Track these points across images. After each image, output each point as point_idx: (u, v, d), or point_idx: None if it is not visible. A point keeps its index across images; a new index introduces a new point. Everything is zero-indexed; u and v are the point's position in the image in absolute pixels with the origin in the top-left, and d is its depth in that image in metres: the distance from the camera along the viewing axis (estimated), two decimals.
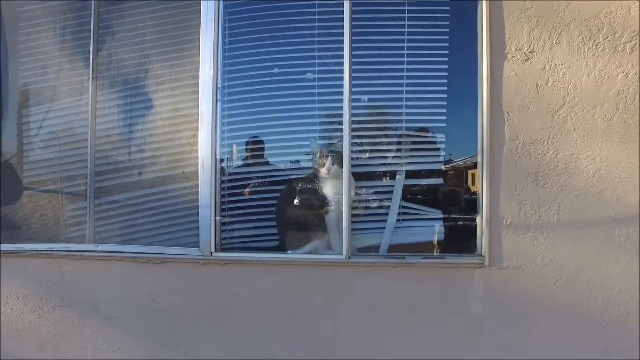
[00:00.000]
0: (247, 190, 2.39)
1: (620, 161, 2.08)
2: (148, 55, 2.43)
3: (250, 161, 2.43)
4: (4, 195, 2.47)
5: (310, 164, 2.37)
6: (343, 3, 2.22)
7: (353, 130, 2.22)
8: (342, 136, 2.21)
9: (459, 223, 2.30)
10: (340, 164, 2.22)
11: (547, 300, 2.10)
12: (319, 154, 2.29)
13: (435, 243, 2.35)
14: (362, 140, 2.33)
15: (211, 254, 2.23)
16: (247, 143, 2.43)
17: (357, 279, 2.20)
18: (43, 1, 2.48)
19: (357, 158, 2.30)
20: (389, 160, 2.37)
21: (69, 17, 2.49)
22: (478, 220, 2.18)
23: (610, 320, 2.08)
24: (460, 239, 2.29)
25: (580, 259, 2.09)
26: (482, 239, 2.14)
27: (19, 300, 2.38)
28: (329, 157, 2.23)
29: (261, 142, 2.45)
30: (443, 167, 2.40)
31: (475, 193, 2.23)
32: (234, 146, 2.35)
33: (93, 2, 2.39)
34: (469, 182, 2.38)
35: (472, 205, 2.26)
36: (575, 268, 2.10)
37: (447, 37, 2.30)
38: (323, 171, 2.24)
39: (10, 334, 2.39)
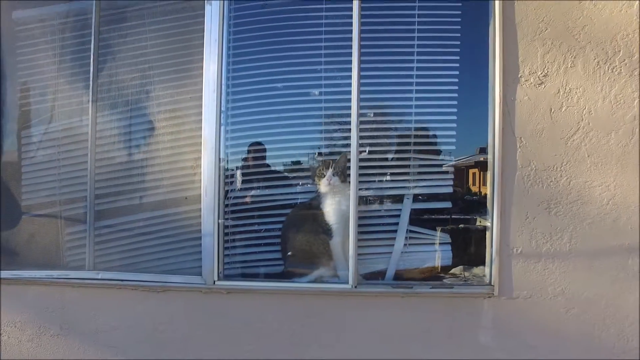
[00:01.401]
0: (247, 199, 2.32)
1: (635, 188, 2.03)
2: (150, 76, 2.36)
3: (254, 185, 2.36)
4: (2, 221, 2.41)
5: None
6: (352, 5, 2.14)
7: (361, 146, 2.15)
8: (348, 151, 2.14)
9: (467, 250, 2.26)
10: (342, 177, 2.15)
11: (558, 331, 2.06)
12: (320, 165, 2.20)
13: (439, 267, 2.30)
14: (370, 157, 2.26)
15: (214, 283, 2.18)
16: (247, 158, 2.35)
17: (364, 308, 2.15)
18: (42, 21, 2.40)
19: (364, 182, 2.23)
20: (398, 184, 2.31)
21: (68, 37, 2.43)
22: (488, 249, 2.12)
23: (623, 352, 2.04)
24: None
25: (593, 289, 2.05)
26: (492, 268, 2.09)
27: (17, 328, 2.33)
28: (330, 168, 2.15)
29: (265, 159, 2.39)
30: (451, 190, 2.34)
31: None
32: (238, 172, 2.29)
33: (93, 21, 2.31)
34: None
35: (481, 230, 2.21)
36: (588, 298, 2.05)
37: (457, 58, 2.25)
38: (323, 182, 2.16)
39: None
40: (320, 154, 2.30)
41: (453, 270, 2.32)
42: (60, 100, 2.44)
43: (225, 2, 2.21)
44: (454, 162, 2.34)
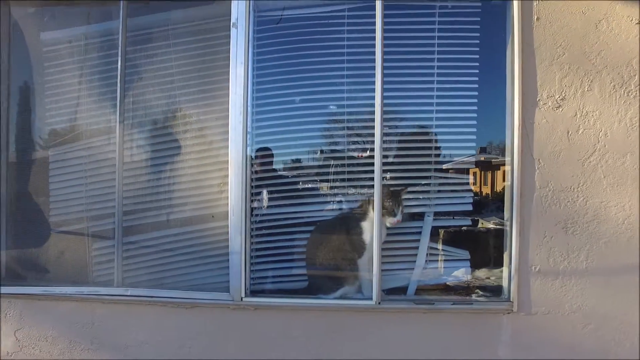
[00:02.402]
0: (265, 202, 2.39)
1: None
2: (175, 96, 2.41)
3: (281, 202, 2.42)
4: (31, 237, 2.47)
5: (340, 201, 2.39)
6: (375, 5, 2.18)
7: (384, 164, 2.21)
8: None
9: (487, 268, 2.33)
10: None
11: (575, 346, 2.13)
12: (387, 200, 2.20)
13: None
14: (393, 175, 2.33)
15: (241, 299, 2.24)
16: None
17: (387, 324, 2.21)
18: (69, 42, 2.45)
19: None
20: (419, 202, 2.37)
21: (95, 57, 2.47)
22: (506, 267, 2.19)
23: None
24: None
25: (609, 306, 2.12)
26: (511, 285, 2.15)
27: (48, 342, 2.39)
28: (400, 206, 2.20)
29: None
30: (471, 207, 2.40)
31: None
32: (265, 192, 2.34)
33: (120, 42, 2.35)
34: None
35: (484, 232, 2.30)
36: (604, 314, 2.12)
37: (476, 79, 2.32)
38: (390, 221, 2.21)
39: None
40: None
41: (455, 273, 2.38)
42: (87, 119, 2.49)
43: (250, 25, 2.26)
44: (453, 163, 2.40)
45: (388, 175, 2.31)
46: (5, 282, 2.43)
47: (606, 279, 2.12)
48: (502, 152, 2.26)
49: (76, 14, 2.50)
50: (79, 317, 2.36)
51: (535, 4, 2.13)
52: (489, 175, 2.97)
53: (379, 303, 2.18)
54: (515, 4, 2.13)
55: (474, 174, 2.56)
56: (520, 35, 2.13)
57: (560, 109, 2.13)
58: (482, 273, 2.40)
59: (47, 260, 2.50)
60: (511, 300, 2.15)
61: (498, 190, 2.63)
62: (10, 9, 2.49)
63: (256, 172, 2.35)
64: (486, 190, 3.13)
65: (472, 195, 2.41)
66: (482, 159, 2.39)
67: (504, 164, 2.27)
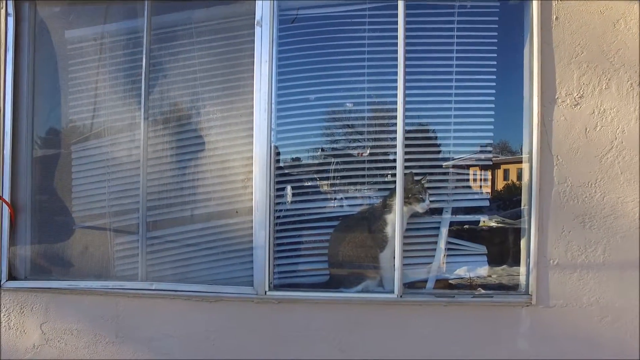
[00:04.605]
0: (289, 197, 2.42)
1: None
2: (199, 93, 2.45)
3: (303, 198, 2.46)
4: (56, 232, 2.50)
5: (367, 195, 2.44)
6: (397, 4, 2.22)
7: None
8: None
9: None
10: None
11: (592, 338, 2.17)
12: (415, 185, 2.29)
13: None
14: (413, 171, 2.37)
15: (265, 293, 2.28)
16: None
17: (408, 317, 2.26)
18: (94, 40, 2.49)
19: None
20: (438, 197, 2.42)
21: (119, 55, 2.51)
22: (525, 260, 2.24)
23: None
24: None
25: (625, 299, 2.16)
26: (530, 279, 2.20)
27: (74, 335, 2.42)
28: (426, 192, 2.26)
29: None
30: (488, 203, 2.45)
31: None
32: (289, 187, 2.39)
33: (145, 40, 2.39)
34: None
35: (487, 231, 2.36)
36: (620, 307, 2.16)
37: (494, 77, 2.36)
38: (422, 206, 2.28)
39: None
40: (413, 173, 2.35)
41: (457, 271, 2.42)
42: (112, 116, 2.52)
43: (274, 24, 2.30)
44: (470, 159, 2.45)
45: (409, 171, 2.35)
46: (31, 276, 2.47)
47: (622, 272, 2.16)
48: (513, 151, 2.33)
49: (101, 13, 2.53)
50: (104, 311, 2.40)
51: (554, 3, 2.18)
52: (501, 173, 3.01)
53: (401, 296, 2.22)
54: (535, 4, 2.17)
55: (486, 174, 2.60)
56: (539, 34, 2.17)
57: (579, 107, 2.18)
58: (497, 271, 2.44)
59: (72, 255, 2.53)
60: (530, 293, 2.19)
61: (512, 189, 2.67)
62: (36, 7, 2.52)
63: (279, 167, 2.39)
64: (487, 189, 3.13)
65: (489, 192, 2.46)
66: (495, 157, 2.43)
67: (517, 162, 2.31)
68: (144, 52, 2.41)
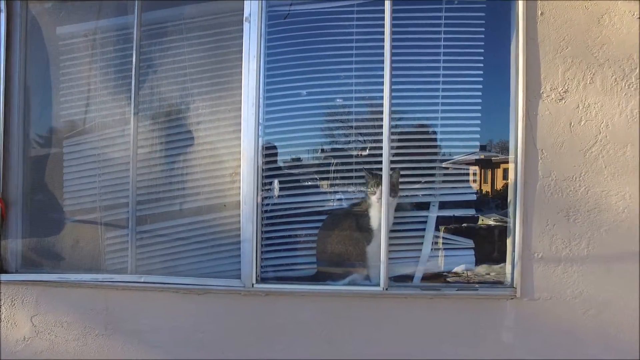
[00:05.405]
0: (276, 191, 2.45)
1: None
2: (189, 88, 2.48)
3: (290, 192, 2.49)
4: (47, 226, 2.53)
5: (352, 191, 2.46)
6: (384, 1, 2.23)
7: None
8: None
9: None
10: (394, 193, 2.29)
11: (576, 331, 2.19)
12: (372, 182, 2.32)
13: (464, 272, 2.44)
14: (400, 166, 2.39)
15: (252, 286, 2.30)
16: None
17: (394, 309, 2.28)
18: (85, 36, 2.52)
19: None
20: (425, 192, 2.44)
21: (109, 51, 2.53)
22: (510, 254, 2.26)
23: (637, 352, 2.18)
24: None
25: (609, 292, 2.17)
26: (514, 272, 2.22)
27: (64, 328, 2.45)
28: (380, 186, 2.28)
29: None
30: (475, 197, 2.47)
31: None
32: (276, 181, 2.41)
33: (135, 36, 2.42)
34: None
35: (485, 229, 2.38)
36: (604, 300, 2.18)
37: (481, 72, 2.38)
38: (373, 199, 2.31)
39: None
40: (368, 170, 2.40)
41: (456, 269, 2.44)
42: (102, 111, 2.55)
43: (262, 20, 2.33)
44: (454, 160, 2.46)
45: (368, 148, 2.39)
46: (22, 269, 2.50)
47: (606, 266, 2.18)
48: (503, 150, 2.34)
49: (92, 9, 2.55)
50: (94, 304, 2.42)
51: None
52: (489, 172, 3.03)
53: (387, 289, 2.24)
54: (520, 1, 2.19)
55: (474, 171, 2.62)
56: (524, 29, 2.18)
57: (563, 101, 2.20)
58: (482, 269, 2.46)
59: (63, 249, 2.56)
60: (514, 286, 2.21)
61: (499, 188, 2.69)
62: (27, 4, 2.55)
63: (267, 162, 2.41)
64: (486, 188, 3.17)
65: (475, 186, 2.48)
66: (482, 157, 2.44)
67: (505, 162, 2.33)
68: (134, 48, 2.44)
